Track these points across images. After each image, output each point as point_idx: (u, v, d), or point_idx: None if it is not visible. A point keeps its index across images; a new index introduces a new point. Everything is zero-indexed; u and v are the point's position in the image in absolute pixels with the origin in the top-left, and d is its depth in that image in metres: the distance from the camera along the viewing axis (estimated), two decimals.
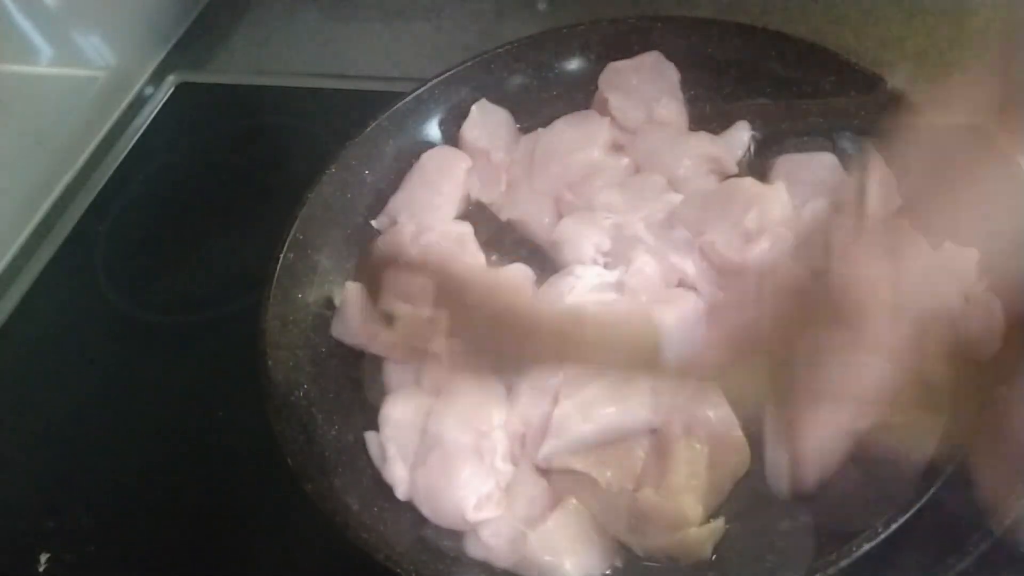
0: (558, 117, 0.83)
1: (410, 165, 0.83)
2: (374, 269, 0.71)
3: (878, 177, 0.71)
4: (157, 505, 0.74)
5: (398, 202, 0.81)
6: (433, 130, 0.85)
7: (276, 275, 0.72)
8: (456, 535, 0.62)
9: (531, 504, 0.62)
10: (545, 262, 0.76)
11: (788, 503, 0.59)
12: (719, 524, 0.59)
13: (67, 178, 1.03)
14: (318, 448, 0.65)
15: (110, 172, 1.04)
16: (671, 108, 0.81)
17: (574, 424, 0.62)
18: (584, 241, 0.73)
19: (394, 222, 0.80)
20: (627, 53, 0.83)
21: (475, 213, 0.82)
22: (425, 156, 0.83)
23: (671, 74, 0.83)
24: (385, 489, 0.64)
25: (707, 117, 0.82)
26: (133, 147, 1.07)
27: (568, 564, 0.58)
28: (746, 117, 0.79)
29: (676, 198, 0.75)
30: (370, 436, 0.67)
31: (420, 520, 0.63)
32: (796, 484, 0.49)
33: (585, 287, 0.70)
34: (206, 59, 1.15)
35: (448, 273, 0.63)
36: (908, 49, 0.92)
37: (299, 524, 0.65)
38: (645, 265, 0.70)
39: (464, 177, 0.82)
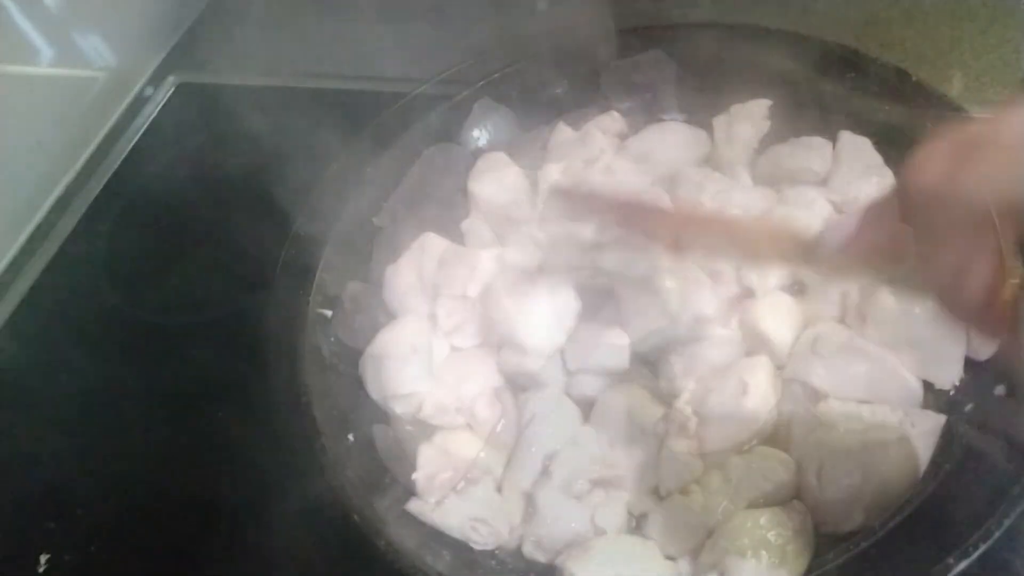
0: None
1: (412, 163, 0.83)
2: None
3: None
4: (157, 505, 0.74)
5: (400, 199, 0.81)
6: (435, 128, 0.85)
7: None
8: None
9: None
10: None
11: None
12: None
13: (67, 178, 1.03)
14: (319, 446, 0.65)
15: (110, 172, 1.04)
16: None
17: None
18: None
19: (395, 219, 0.80)
20: (628, 52, 0.84)
21: None
22: (427, 154, 0.83)
23: (672, 73, 0.83)
24: (385, 486, 0.64)
25: (708, 115, 0.82)
26: (133, 147, 1.07)
27: None
28: (747, 115, 0.79)
29: None
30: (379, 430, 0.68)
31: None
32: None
33: None
34: (206, 59, 1.15)
35: None
36: (908, 49, 0.92)
37: (299, 523, 0.65)
38: None
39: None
